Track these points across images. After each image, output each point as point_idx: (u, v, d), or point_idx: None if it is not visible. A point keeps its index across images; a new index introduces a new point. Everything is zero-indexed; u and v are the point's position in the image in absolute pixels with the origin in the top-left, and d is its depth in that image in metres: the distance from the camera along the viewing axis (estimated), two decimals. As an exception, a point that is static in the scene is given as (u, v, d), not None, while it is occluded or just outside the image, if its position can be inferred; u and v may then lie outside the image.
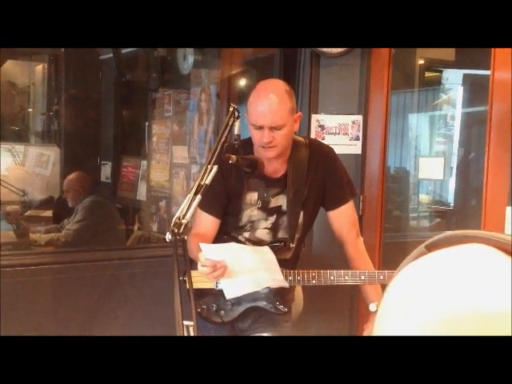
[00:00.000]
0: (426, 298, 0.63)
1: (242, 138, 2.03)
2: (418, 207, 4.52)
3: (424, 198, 4.53)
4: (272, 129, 2.04)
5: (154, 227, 4.66)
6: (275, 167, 2.19)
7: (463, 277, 0.64)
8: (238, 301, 2.20)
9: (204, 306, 2.23)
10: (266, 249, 2.07)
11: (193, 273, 1.80)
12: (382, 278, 2.09)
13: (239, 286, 2.01)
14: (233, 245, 2.04)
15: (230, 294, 2.05)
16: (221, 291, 2.14)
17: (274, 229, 2.19)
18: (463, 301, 0.61)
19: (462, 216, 4.24)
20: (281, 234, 2.20)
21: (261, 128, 2.05)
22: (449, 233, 0.71)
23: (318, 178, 2.22)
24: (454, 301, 0.61)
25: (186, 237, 1.66)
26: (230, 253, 1.96)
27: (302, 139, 2.26)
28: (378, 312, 0.68)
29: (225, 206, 2.20)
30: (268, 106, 2.04)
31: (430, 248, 0.71)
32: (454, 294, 0.62)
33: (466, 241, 0.69)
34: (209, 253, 1.91)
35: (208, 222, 2.18)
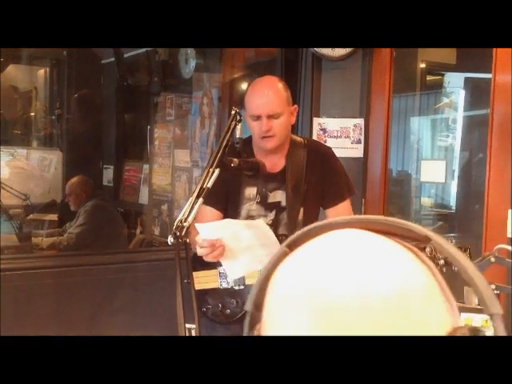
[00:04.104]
0: (309, 288, 0.62)
1: (243, 138, 2.08)
2: (420, 210, 4.52)
3: (426, 201, 4.53)
4: (270, 117, 2.11)
5: (156, 231, 4.66)
6: (273, 161, 2.21)
7: (337, 261, 0.64)
8: (242, 299, 2.21)
9: (209, 306, 2.24)
10: (261, 223, 2.07)
11: (197, 273, 1.80)
12: None
13: (241, 265, 2.02)
14: (227, 221, 2.04)
15: (233, 274, 2.06)
16: (225, 290, 2.14)
17: (274, 225, 2.20)
18: (344, 284, 0.61)
19: (464, 219, 4.23)
20: (281, 231, 2.21)
21: (259, 118, 2.11)
22: (307, 227, 0.70)
23: (316, 176, 2.24)
24: (333, 286, 0.61)
25: (187, 240, 1.66)
26: (225, 230, 1.96)
27: (300, 139, 2.31)
28: (264, 316, 0.68)
29: (225, 199, 2.23)
30: (265, 96, 2.13)
31: (292, 246, 0.70)
32: (333, 279, 0.62)
33: (327, 230, 0.69)
34: (205, 232, 1.93)
35: (210, 215, 2.19)
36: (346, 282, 0.61)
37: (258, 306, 0.70)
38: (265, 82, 2.22)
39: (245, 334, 0.71)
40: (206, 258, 1.94)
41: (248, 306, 0.71)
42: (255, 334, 0.69)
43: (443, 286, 0.64)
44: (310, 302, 0.61)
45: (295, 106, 2.25)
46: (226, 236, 1.94)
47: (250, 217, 2.21)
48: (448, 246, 0.64)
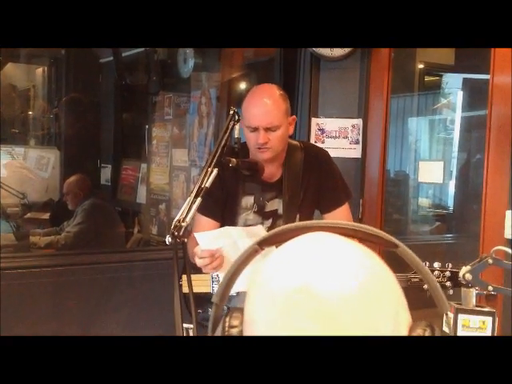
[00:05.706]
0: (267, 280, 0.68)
1: (241, 142, 2.05)
2: (418, 211, 4.53)
3: (424, 201, 4.53)
4: (267, 130, 2.06)
5: (154, 230, 4.66)
6: (271, 171, 2.19)
7: (298, 257, 0.69)
8: (233, 305, 2.19)
9: (200, 310, 2.22)
10: (260, 229, 2.05)
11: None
12: None
13: (241, 277, 2.00)
14: (226, 229, 2.03)
15: (236, 287, 2.04)
16: None
17: None
18: (299, 278, 0.66)
19: (461, 220, 4.24)
20: None
21: (256, 130, 2.07)
22: (278, 228, 0.75)
23: (313, 180, 2.22)
24: (288, 278, 0.67)
25: (186, 240, 1.66)
26: (225, 239, 1.94)
27: (296, 143, 2.27)
28: (248, 311, 0.71)
29: (223, 209, 2.20)
30: (263, 107, 2.07)
31: (263, 244, 0.75)
32: (288, 272, 0.67)
33: (300, 232, 0.74)
34: (204, 243, 1.91)
35: (207, 226, 2.17)
36: (326, 279, 0.65)
37: (223, 297, 0.75)
38: (264, 92, 2.14)
39: (210, 324, 0.74)
40: (206, 269, 1.93)
41: (215, 298, 0.76)
42: (226, 325, 0.73)
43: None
44: (295, 298, 0.64)
45: (293, 116, 2.20)
46: (225, 245, 1.93)
47: (246, 226, 2.19)
48: (412, 254, 0.75)
